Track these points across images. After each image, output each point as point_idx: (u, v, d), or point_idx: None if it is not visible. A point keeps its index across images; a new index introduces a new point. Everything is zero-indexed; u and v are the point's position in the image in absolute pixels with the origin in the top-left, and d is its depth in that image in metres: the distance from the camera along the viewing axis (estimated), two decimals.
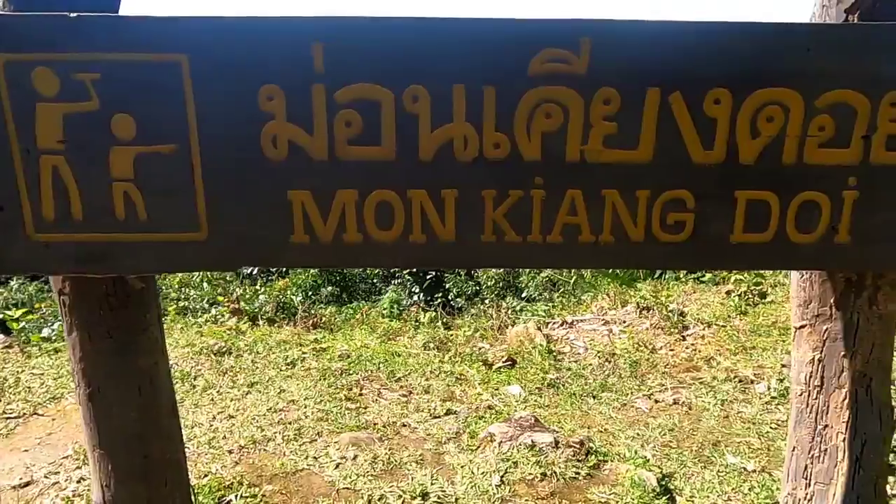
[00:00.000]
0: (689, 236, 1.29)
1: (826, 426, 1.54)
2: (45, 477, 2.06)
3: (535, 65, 1.19)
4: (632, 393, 2.66)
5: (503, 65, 1.19)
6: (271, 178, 1.23)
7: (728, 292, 3.84)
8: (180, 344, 3.03)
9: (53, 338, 3.36)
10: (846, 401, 1.50)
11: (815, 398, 1.55)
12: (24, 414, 2.45)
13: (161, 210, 1.25)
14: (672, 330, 3.30)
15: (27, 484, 2.03)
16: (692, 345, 3.08)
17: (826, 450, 1.55)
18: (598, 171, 1.25)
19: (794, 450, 1.61)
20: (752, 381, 2.68)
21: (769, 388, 2.56)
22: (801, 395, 1.56)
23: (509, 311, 5.09)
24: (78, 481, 2.03)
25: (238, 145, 1.21)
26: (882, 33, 1.19)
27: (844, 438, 1.51)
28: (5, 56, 1.16)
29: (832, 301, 1.47)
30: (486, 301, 7.13)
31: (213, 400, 2.53)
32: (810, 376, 1.54)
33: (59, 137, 1.20)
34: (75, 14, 1.15)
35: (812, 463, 1.57)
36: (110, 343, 1.41)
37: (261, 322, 3.81)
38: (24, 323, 3.54)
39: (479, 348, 3.51)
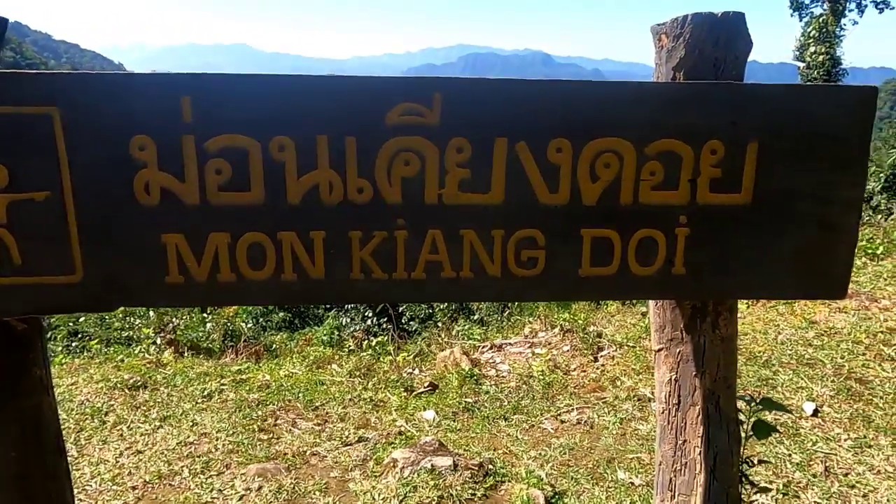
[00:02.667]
0: (542, 271, 1.41)
1: (685, 441, 1.68)
2: None
3: (391, 117, 1.30)
4: (541, 414, 2.78)
5: (362, 117, 1.29)
6: (145, 222, 1.29)
7: (643, 314, 4.03)
8: (94, 378, 2.98)
9: None
10: (699, 417, 1.64)
11: (675, 415, 1.68)
12: None
13: (35, 253, 1.29)
14: (587, 352, 3.46)
15: None
16: (602, 366, 3.23)
17: (686, 463, 1.68)
18: (455, 213, 1.36)
19: (660, 464, 1.73)
20: (649, 399, 2.84)
21: None
22: (663, 412, 1.70)
23: (451, 336, 5.17)
24: None
25: (112, 192, 1.27)
26: (699, 90, 1.36)
27: (700, 452, 1.65)
28: None
29: (682, 326, 1.61)
30: (439, 324, 7.17)
31: (121, 435, 2.51)
32: (669, 395, 1.68)
33: None
34: None
35: (675, 476, 1.70)
36: (20, 376, 1.42)
37: (187, 354, 3.78)
38: None
39: (409, 374, 3.57)
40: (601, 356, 3.39)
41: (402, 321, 8.52)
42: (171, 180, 1.28)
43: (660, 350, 1.68)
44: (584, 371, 3.18)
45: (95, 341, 4.50)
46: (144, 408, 2.74)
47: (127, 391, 2.86)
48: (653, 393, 2.89)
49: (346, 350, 4.42)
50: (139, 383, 2.93)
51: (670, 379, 1.67)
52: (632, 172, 1.38)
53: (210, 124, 1.26)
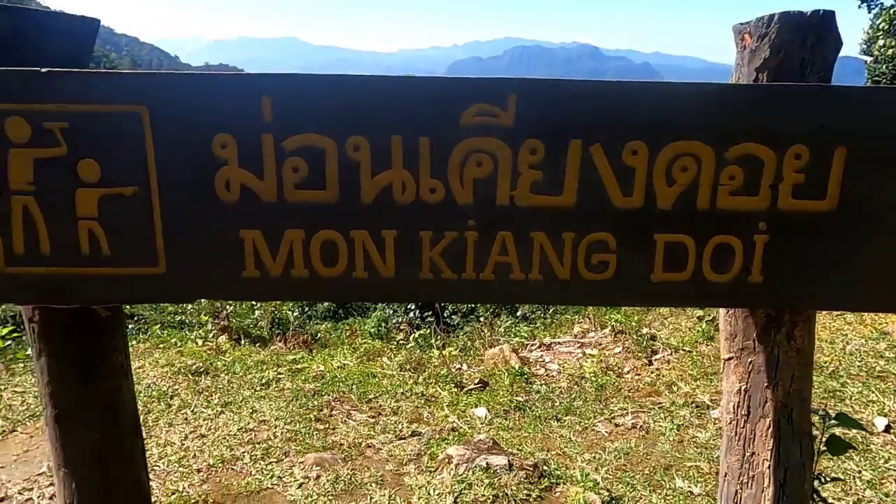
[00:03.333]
0: (613, 275, 1.39)
1: (753, 453, 1.63)
2: (19, 493, 2.14)
3: (465, 118, 1.29)
4: (594, 416, 2.74)
5: (437, 118, 1.30)
6: (224, 218, 1.33)
7: (699, 317, 3.93)
8: (160, 363, 3.12)
9: None
10: (770, 430, 1.59)
11: (743, 427, 1.63)
12: (4, 431, 2.53)
13: (122, 246, 1.35)
14: (640, 354, 3.38)
15: (1, 500, 2.11)
16: (657, 369, 3.16)
17: (753, 476, 1.63)
18: (526, 215, 1.35)
19: (725, 476, 1.69)
20: (708, 407, 2.76)
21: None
22: (730, 423, 1.65)
23: (494, 332, 5.16)
24: (50, 497, 2.10)
25: (194, 188, 1.32)
26: (786, 93, 1.30)
27: (769, 465, 1.60)
28: None
29: (755, 335, 1.56)
30: (481, 319, 7.16)
31: (186, 419, 2.61)
32: (738, 406, 1.63)
33: (29, 180, 1.30)
34: (46, 70, 1.26)
35: (741, 489, 1.65)
36: (76, 368, 1.50)
37: (244, 341, 3.90)
38: (9, 342, 3.62)
39: (457, 369, 3.58)
40: (655, 359, 3.32)
41: (444, 315, 8.54)
42: (251, 177, 1.31)
43: (729, 359, 1.63)
44: (639, 374, 3.12)
45: (157, 326, 4.69)
46: (206, 393, 2.84)
47: (190, 376, 2.98)
48: (712, 400, 2.82)
49: (395, 343, 4.46)
50: (201, 369, 3.05)
51: (739, 389, 1.62)
52: (710, 177, 1.33)
53: (288, 124, 1.29)
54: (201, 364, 3.10)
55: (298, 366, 3.14)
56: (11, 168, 1.29)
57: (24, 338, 3.77)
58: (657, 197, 1.34)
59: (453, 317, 8.62)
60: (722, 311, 1.64)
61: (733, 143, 1.31)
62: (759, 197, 1.34)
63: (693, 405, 2.76)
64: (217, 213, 1.33)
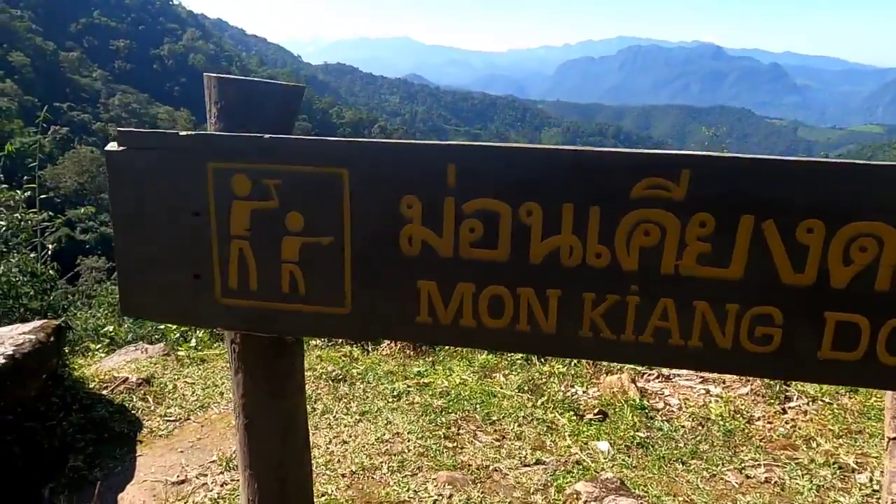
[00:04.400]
0: (777, 349, 1.39)
1: None
2: (197, 477, 2.47)
3: (636, 190, 1.35)
4: (722, 464, 2.66)
5: (608, 189, 1.36)
6: (405, 269, 1.48)
7: None
8: (303, 367, 3.41)
9: (200, 346, 3.90)
10: None
11: None
12: (181, 418, 2.91)
13: (317, 287, 1.54)
14: (772, 400, 3.21)
15: (182, 482, 2.44)
16: (792, 419, 3.00)
17: None
18: (690, 284, 1.38)
19: None
20: (853, 470, 2.58)
21: (871, 480, 2.44)
22: None
23: None
24: (222, 485, 2.41)
25: (381, 241, 1.48)
26: None
27: None
28: (214, 164, 1.50)
29: None
30: None
31: (329, 425, 2.86)
32: None
33: (246, 227, 1.53)
34: (268, 136, 1.47)
35: None
36: (265, 385, 1.72)
37: (369, 348, 4.16)
38: (178, 334, 4.13)
39: (572, 394, 3.61)
40: (790, 407, 3.15)
41: None
42: (431, 235, 1.45)
43: (894, 438, 1.56)
44: (771, 423, 2.99)
45: None
46: (345, 400, 3.09)
47: (331, 383, 3.25)
48: (857, 463, 2.63)
49: (507, 359, 4.54)
50: (340, 376, 3.31)
51: None
52: (892, 258, 1.30)
53: (469, 189, 1.41)
54: (339, 371, 3.37)
55: (424, 380, 3.33)
56: (234, 217, 1.52)
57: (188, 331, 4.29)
58: (831, 275, 1.32)
59: None
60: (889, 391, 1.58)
61: None
62: None
63: (835, 465, 2.60)
64: (399, 264, 1.48)
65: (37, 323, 2.77)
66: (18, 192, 5.89)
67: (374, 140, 1.46)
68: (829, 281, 1.33)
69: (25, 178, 6.31)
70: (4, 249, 5.50)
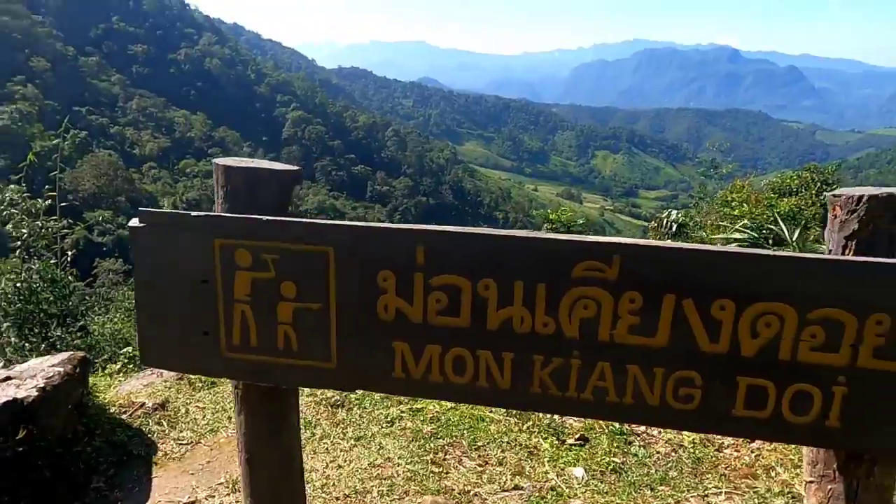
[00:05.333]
0: (698, 407, 1.61)
1: None
2: (206, 499, 2.73)
3: (577, 271, 1.59)
4: (688, 490, 2.87)
5: (553, 269, 1.60)
6: (382, 331, 1.73)
7: None
8: (304, 392, 3.67)
9: None
10: None
11: None
12: (192, 442, 3.17)
13: (307, 345, 1.79)
14: None
15: (192, 503, 2.71)
16: (758, 448, 3.19)
17: None
18: (623, 350, 1.61)
19: None
20: (803, 498, 2.75)
21: None
22: None
23: None
24: None
25: (362, 308, 1.73)
26: (865, 268, 1.46)
27: None
28: (220, 240, 1.76)
29: (835, 466, 1.70)
30: None
31: (327, 449, 3.10)
32: None
33: (247, 293, 1.78)
34: (266, 217, 1.72)
35: None
36: (264, 425, 1.98)
37: None
38: None
39: (557, 418, 3.81)
40: None
41: None
42: (404, 304, 1.70)
43: (811, 482, 1.77)
44: (738, 451, 3.18)
45: None
46: (342, 425, 3.34)
47: (330, 408, 3.50)
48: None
49: None
50: (338, 402, 3.56)
51: None
52: (792, 333, 1.52)
53: (435, 266, 1.66)
54: (338, 397, 3.61)
55: (417, 405, 3.56)
56: (237, 285, 1.78)
57: None
58: (741, 346, 1.55)
59: None
60: None
61: (815, 307, 1.48)
62: (840, 354, 1.50)
63: (789, 495, 2.79)
64: (377, 328, 1.73)
65: (64, 355, 3.06)
66: (40, 200, 6.18)
67: (355, 224, 1.71)
68: (740, 350, 1.55)
69: (46, 186, 6.61)
70: (27, 256, 5.81)
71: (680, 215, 12.82)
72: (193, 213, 1.78)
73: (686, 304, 1.55)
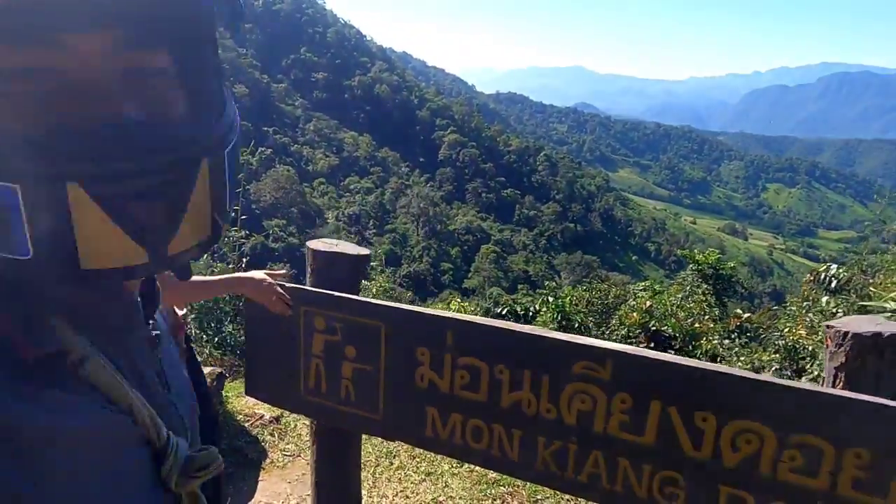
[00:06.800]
0: None
1: None
2: None
3: (576, 368, 1.83)
4: None
5: (556, 365, 1.85)
6: (418, 396, 2.09)
7: None
8: None
9: None
10: None
11: None
12: (294, 454, 3.76)
13: (361, 398, 2.20)
14: None
15: None
16: None
17: None
18: (615, 444, 1.81)
19: None
20: None
21: None
22: None
23: None
24: None
25: (403, 374, 2.10)
26: (847, 404, 1.53)
27: None
28: (304, 307, 2.25)
29: None
30: None
31: (399, 479, 3.49)
32: None
33: (321, 350, 2.24)
34: (337, 294, 2.18)
35: None
36: (331, 454, 2.42)
37: None
38: None
39: None
40: None
41: None
42: (435, 376, 2.04)
43: None
44: None
45: None
46: (418, 460, 3.72)
47: None
48: None
49: None
50: None
51: None
52: (771, 452, 1.62)
53: (461, 349, 1.99)
54: None
55: None
56: (314, 343, 2.25)
57: None
58: (723, 456, 1.68)
59: None
60: None
61: (794, 432, 1.58)
62: (819, 479, 1.57)
63: None
64: (414, 392, 2.09)
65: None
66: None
67: (402, 306, 2.10)
68: (722, 460, 1.68)
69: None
70: (212, 262, 6.92)
71: (842, 271, 11.54)
72: (288, 285, 2.29)
73: (671, 411, 1.72)
